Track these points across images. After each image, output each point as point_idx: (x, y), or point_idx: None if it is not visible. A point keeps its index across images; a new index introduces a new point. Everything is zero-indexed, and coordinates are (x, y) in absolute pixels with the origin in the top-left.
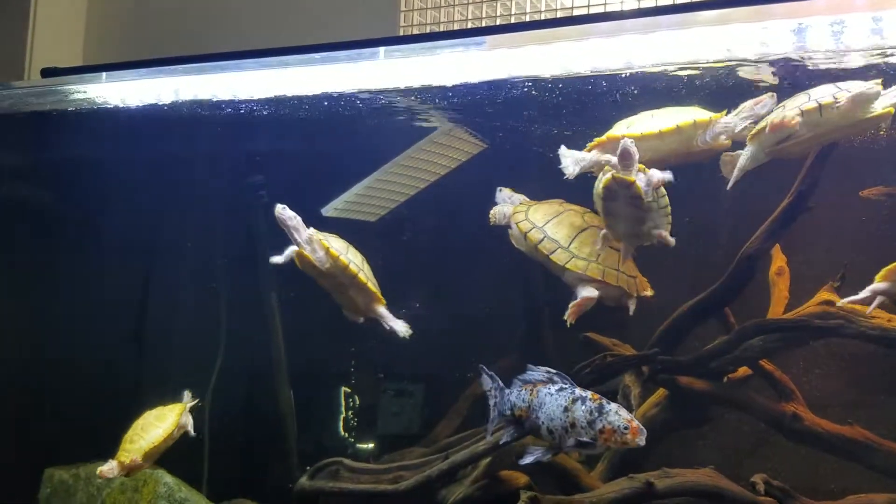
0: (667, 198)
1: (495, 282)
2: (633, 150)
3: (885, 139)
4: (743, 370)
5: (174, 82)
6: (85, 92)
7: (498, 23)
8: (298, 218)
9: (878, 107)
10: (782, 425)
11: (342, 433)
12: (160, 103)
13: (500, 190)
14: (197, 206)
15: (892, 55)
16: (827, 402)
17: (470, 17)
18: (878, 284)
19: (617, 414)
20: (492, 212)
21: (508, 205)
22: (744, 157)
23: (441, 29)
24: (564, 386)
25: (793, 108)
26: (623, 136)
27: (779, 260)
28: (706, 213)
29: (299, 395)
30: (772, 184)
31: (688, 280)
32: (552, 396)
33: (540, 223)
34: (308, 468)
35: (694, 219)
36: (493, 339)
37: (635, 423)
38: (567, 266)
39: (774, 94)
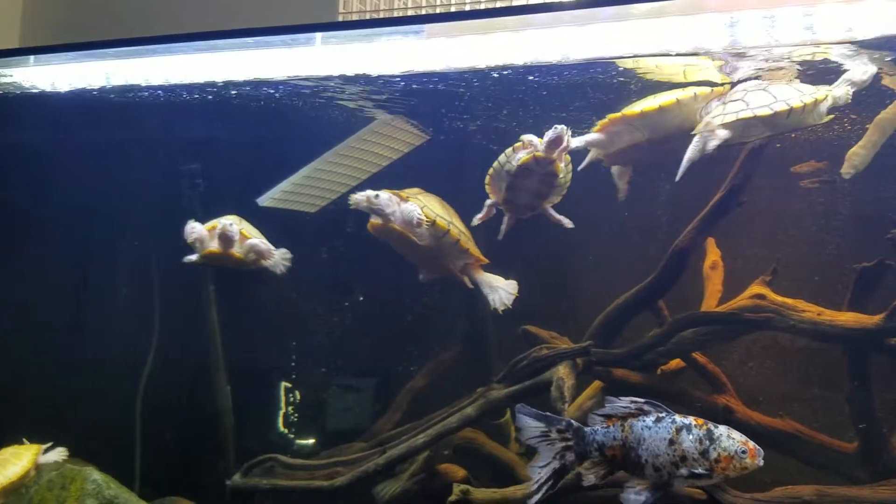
0: (570, 175)
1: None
2: (566, 139)
3: (816, 136)
4: (677, 363)
5: (105, 66)
6: (11, 76)
7: (438, 12)
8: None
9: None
10: (715, 417)
11: (282, 429)
12: (90, 88)
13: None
14: (129, 195)
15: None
16: (761, 394)
17: (410, 5)
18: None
19: (730, 438)
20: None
21: (401, 203)
22: (692, 148)
23: (381, 17)
24: (661, 415)
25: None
26: (624, 115)
27: (713, 254)
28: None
29: (238, 390)
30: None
31: (634, 274)
32: (651, 429)
33: (444, 215)
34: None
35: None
36: (435, 332)
37: (752, 444)
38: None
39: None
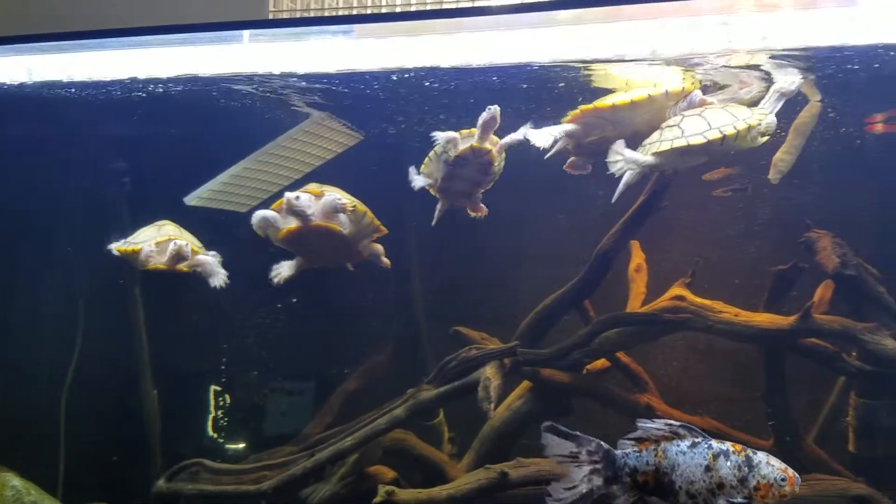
0: (503, 164)
1: (370, 276)
2: (498, 116)
3: None
4: (602, 362)
5: (26, 61)
6: None
7: (369, 13)
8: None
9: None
10: (637, 415)
11: (212, 433)
12: (10, 83)
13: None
14: (52, 194)
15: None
16: (684, 393)
17: (342, 5)
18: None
19: (769, 465)
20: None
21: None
22: (628, 173)
23: (312, 16)
24: (696, 440)
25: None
26: (596, 108)
27: (637, 257)
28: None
29: (165, 393)
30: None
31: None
32: (686, 455)
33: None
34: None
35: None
36: (367, 334)
37: (791, 472)
38: None
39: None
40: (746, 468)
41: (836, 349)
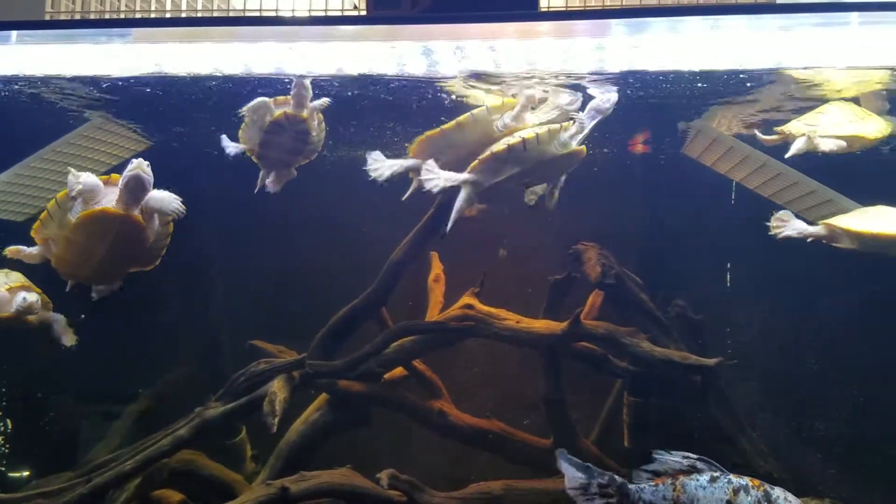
0: (324, 134)
1: (169, 290)
2: (307, 86)
3: None
4: (400, 371)
5: None
6: None
7: (151, 17)
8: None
9: (573, 143)
10: (430, 421)
11: None
12: None
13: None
14: None
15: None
16: (478, 398)
17: (123, 9)
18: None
19: (787, 501)
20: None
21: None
22: (459, 199)
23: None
24: (715, 474)
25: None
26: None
27: (436, 268)
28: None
29: None
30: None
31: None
32: (707, 489)
33: None
34: None
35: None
36: (167, 348)
37: None
38: None
39: (614, 88)
40: (766, 503)
41: (604, 352)
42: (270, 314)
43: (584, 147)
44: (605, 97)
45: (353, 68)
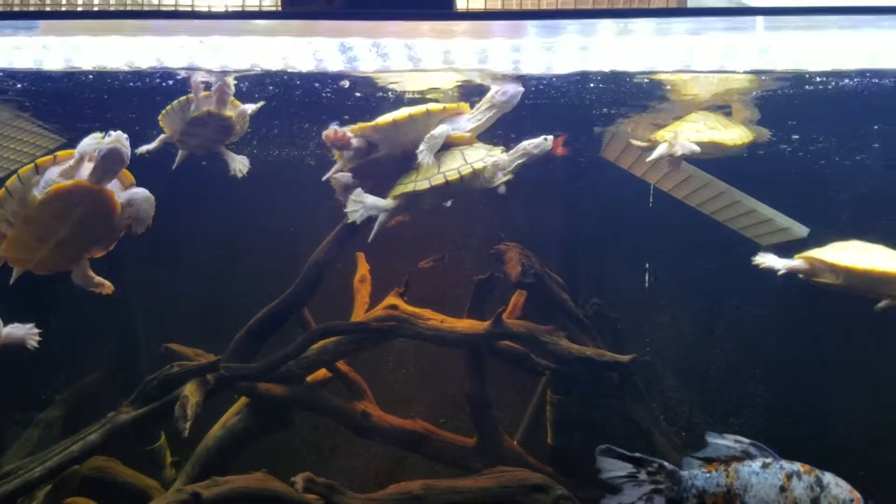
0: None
1: (84, 291)
2: (229, 85)
3: None
4: (323, 373)
5: None
6: None
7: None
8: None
9: (500, 175)
10: (353, 423)
11: None
12: None
13: None
14: None
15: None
16: (411, 398)
17: (33, 0)
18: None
19: (838, 486)
20: None
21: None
22: (383, 213)
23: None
24: (767, 460)
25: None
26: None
27: (362, 268)
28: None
29: None
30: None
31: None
32: (759, 476)
33: None
34: None
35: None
36: (82, 352)
37: (856, 493)
38: None
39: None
40: (818, 488)
41: (525, 350)
42: (191, 317)
43: (510, 176)
44: (504, 89)
45: (270, 64)
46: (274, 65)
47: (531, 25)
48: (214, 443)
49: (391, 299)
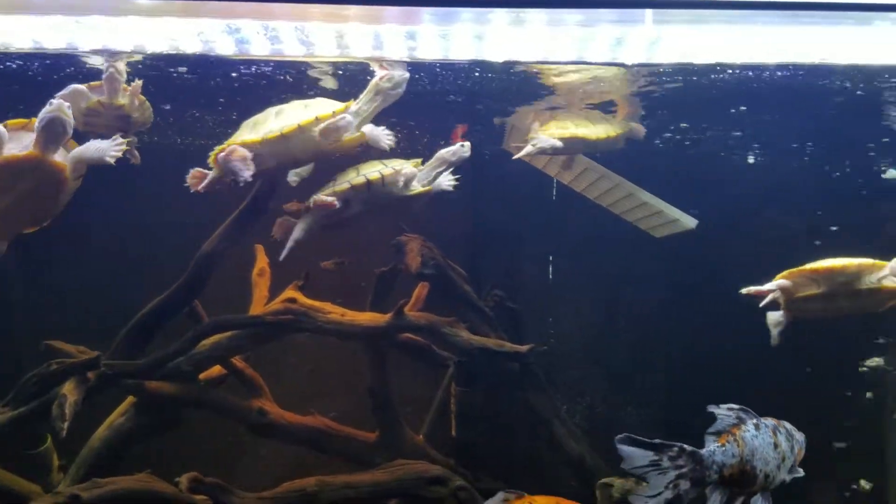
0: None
1: None
2: (121, 72)
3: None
4: (218, 370)
5: None
6: None
7: None
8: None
9: (418, 185)
10: (249, 421)
11: None
12: None
13: None
14: None
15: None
16: (313, 395)
17: None
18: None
19: (797, 431)
20: None
21: None
22: (298, 228)
23: None
24: (753, 421)
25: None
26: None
27: (261, 261)
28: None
29: None
30: None
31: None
32: (758, 438)
33: None
34: None
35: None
36: None
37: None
38: None
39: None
40: (792, 437)
41: (427, 343)
42: (76, 312)
43: (429, 188)
44: (390, 74)
45: (155, 45)
46: (158, 47)
47: (426, 12)
48: (100, 444)
49: (289, 293)
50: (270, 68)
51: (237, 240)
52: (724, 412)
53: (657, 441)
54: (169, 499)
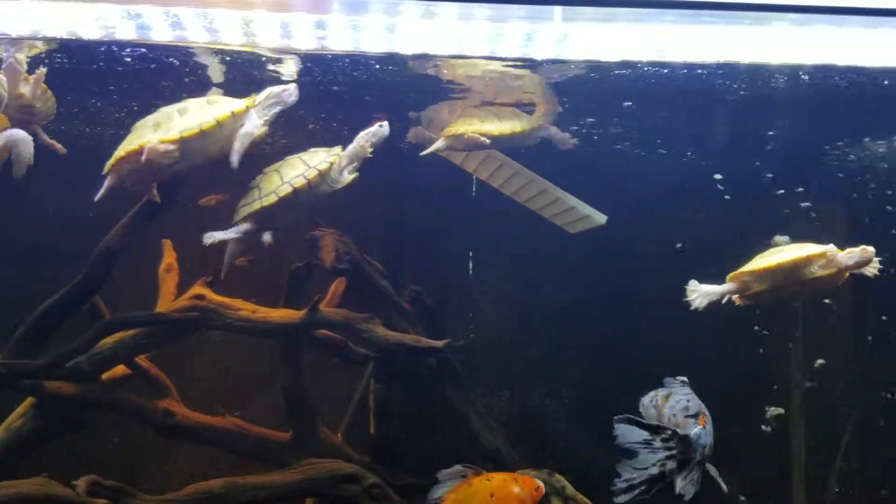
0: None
1: None
2: (22, 62)
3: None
4: (122, 369)
5: None
6: None
7: None
8: None
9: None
10: (154, 422)
11: None
12: None
13: None
14: None
15: None
16: (227, 395)
17: None
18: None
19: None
20: None
21: None
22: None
23: None
24: (684, 390)
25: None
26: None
27: (168, 256)
28: None
29: None
30: None
31: None
32: (685, 409)
33: None
34: None
35: None
36: None
37: None
38: None
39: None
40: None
41: (343, 339)
42: None
43: (356, 174)
44: (290, 90)
45: (55, 31)
46: (57, 32)
47: (336, 1)
48: None
49: (197, 289)
50: (169, 56)
51: (140, 234)
52: (677, 384)
53: (655, 424)
54: (65, 502)
